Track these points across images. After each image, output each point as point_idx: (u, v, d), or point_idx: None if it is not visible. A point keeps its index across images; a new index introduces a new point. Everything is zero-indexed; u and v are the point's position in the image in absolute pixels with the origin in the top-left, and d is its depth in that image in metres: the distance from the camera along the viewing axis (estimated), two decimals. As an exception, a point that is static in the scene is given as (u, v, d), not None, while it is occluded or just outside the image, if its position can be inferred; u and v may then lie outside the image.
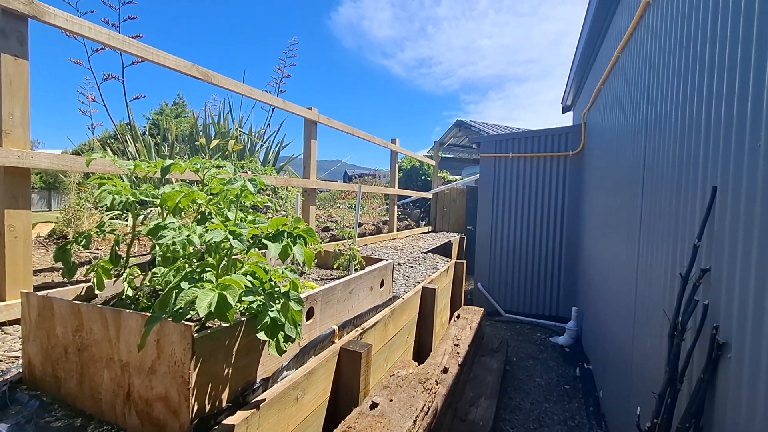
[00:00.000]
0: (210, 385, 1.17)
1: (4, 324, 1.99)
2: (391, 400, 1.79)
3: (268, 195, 6.11)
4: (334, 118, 4.76)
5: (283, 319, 1.20)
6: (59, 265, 2.76)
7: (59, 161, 2.25)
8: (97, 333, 1.24)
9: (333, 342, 1.88)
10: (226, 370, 1.23)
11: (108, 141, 5.83)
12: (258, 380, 1.38)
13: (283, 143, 7.49)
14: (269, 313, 1.17)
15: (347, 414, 1.77)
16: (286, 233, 1.12)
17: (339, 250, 2.63)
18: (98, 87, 4.98)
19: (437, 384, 2.15)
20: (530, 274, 6.00)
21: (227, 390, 1.24)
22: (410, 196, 8.89)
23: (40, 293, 1.39)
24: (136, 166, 1.36)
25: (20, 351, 1.73)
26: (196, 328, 1.11)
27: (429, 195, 8.57)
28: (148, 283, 1.43)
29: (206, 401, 1.16)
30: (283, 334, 1.22)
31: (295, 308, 1.14)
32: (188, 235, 1.06)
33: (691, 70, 1.83)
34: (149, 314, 1.15)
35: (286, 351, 1.26)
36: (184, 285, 1.10)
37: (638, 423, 1.72)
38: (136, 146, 5.23)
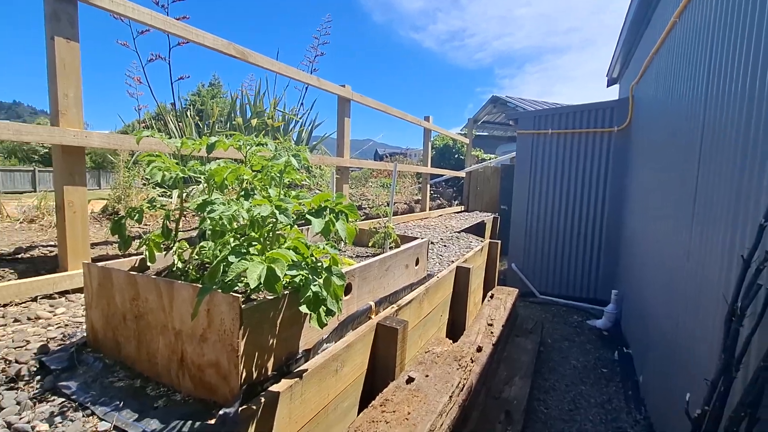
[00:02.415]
0: (256, 354, 1.22)
1: (67, 292, 2.16)
2: (427, 376, 1.82)
3: (302, 174, 6.19)
4: (365, 95, 4.71)
5: (324, 294, 1.23)
6: (113, 239, 2.95)
7: (110, 140, 2.37)
8: (152, 302, 1.32)
9: (370, 317, 1.91)
10: (271, 341, 1.28)
11: (150, 121, 6.07)
12: (300, 351, 1.42)
13: (316, 122, 7.52)
14: (311, 287, 1.20)
15: (384, 387, 1.81)
16: (328, 209, 1.13)
17: (374, 228, 2.64)
18: (143, 68, 5.15)
19: (472, 362, 2.15)
20: (567, 255, 5.82)
21: (272, 359, 1.29)
22: (443, 175, 8.76)
23: (100, 264, 1.49)
24: (183, 143, 1.40)
25: (83, 317, 1.87)
26: (242, 300, 1.15)
27: (462, 174, 8.41)
28: (197, 257, 1.50)
29: (253, 369, 1.22)
30: (325, 308, 1.25)
31: (337, 283, 1.16)
32: (236, 210, 1.09)
33: (765, 33, 1.65)
34: (200, 285, 1.20)
35: (327, 324, 1.29)
36: (232, 258, 1.14)
37: (687, 410, 1.65)
38: (179, 125, 5.41)
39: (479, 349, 2.49)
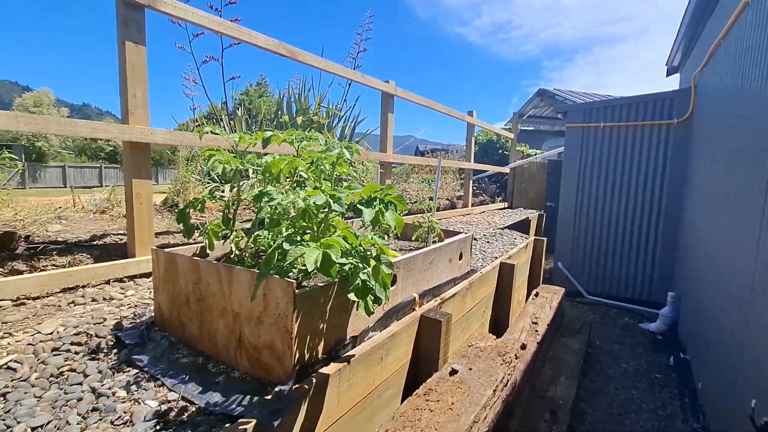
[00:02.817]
0: (308, 337, 1.28)
1: (135, 277, 2.36)
2: (471, 369, 1.81)
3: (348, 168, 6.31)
4: (408, 91, 4.71)
5: (372, 282, 1.26)
6: (173, 229, 3.17)
7: (172, 137, 2.54)
8: (213, 286, 1.42)
9: (413, 309, 1.94)
10: (321, 326, 1.34)
11: (203, 120, 6.43)
12: (348, 338, 1.47)
13: (359, 119, 7.62)
14: (360, 275, 1.23)
15: (426, 378, 1.83)
16: (378, 199, 1.16)
17: (417, 222, 2.65)
18: (198, 70, 5.47)
19: (516, 358, 2.11)
20: (619, 254, 5.52)
21: (322, 343, 1.35)
22: (486, 171, 8.59)
23: (167, 249, 1.62)
24: (240, 138, 1.49)
25: (149, 299, 2.04)
26: (295, 286, 1.21)
27: (506, 169, 8.19)
28: (252, 245, 1.59)
29: (305, 351, 1.28)
30: (372, 296, 1.29)
31: (386, 271, 1.19)
32: (293, 199, 1.15)
33: None
34: (257, 271, 1.28)
35: (373, 313, 1.33)
36: (286, 246, 1.20)
37: (752, 416, 1.53)
38: (230, 123, 5.69)
39: (523, 347, 2.44)
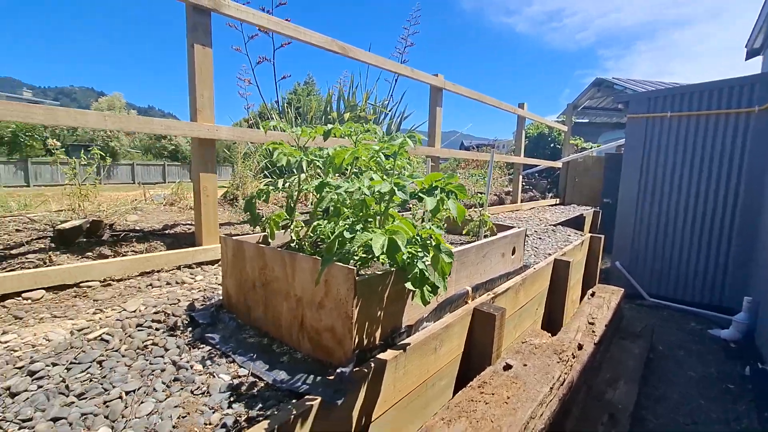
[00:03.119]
0: (367, 324, 1.32)
1: (202, 263, 2.54)
2: (525, 365, 1.78)
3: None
4: (456, 84, 4.64)
5: (429, 272, 1.28)
6: (234, 220, 3.36)
7: (234, 133, 2.70)
8: (277, 271, 1.50)
9: (466, 302, 1.93)
10: (379, 313, 1.37)
11: (256, 119, 6.74)
12: (403, 326, 1.50)
13: (404, 114, 7.62)
14: (418, 264, 1.25)
15: (479, 371, 1.82)
16: (439, 188, 1.17)
17: (468, 215, 2.62)
18: (252, 70, 5.74)
19: (573, 357, 2.04)
20: (686, 255, 5.11)
21: (379, 330, 1.39)
22: (536, 166, 8.28)
23: (234, 237, 1.73)
24: (302, 132, 1.56)
25: (216, 284, 2.20)
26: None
27: (558, 164, 7.84)
28: (311, 234, 1.66)
29: (364, 337, 1.32)
30: (428, 286, 1.30)
31: (446, 260, 1.20)
32: (358, 187, 1.19)
33: None
34: (318, 258, 1.34)
35: (429, 302, 1.35)
36: (347, 234, 1.25)
37: None
38: (281, 122, 5.93)
39: (580, 347, 2.35)
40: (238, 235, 2.92)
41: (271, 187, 1.59)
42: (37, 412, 1.06)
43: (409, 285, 1.29)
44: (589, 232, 6.07)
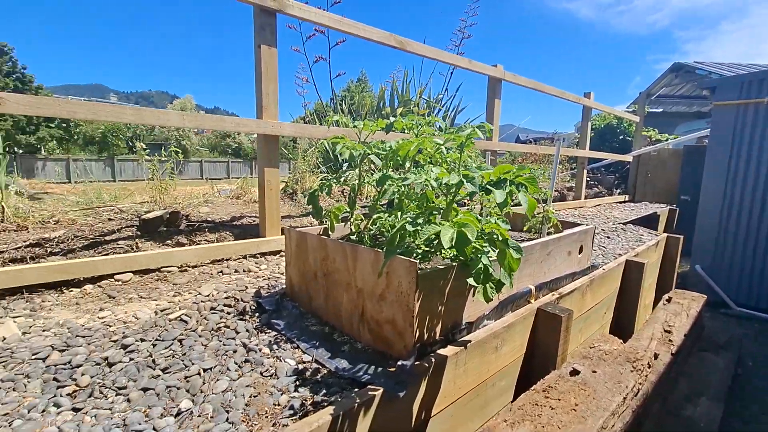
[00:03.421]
0: (427, 318, 1.31)
1: (265, 254, 2.67)
2: (595, 372, 1.67)
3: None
4: (516, 74, 4.44)
5: (493, 268, 1.23)
6: (293, 212, 3.50)
7: (296, 129, 2.80)
8: (338, 263, 1.53)
9: (529, 302, 1.85)
10: (440, 308, 1.35)
11: (312, 116, 6.95)
12: (464, 323, 1.47)
13: (459, 108, 7.45)
14: (482, 259, 1.22)
15: (542, 374, 1.73)
16: (508, 181, 1.12)
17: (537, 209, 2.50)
18: (310, 69, 5.92)
19: (649, 367, 1.88)
20: (784, 260, 4.51)
21: (440, 325, 1.37)
22: (603, 160, 7.73)
23: (298, 229, 1.80)
24: (364, 125, 1.57)
25: (279, 273, 2.30)
26: (416, 266, 1.24)
27: (628, 158, 7.26)
28: (371, 227, 1.67)
29: (424, 330, 1.31)
30: (492, 283, 1.26)
31: (514, 256, 1.15)
32: (425, 179, 1.18)
33: None
34: (380, 250, 1.35)
35: (492, 299, 1.30)
36: (409, 227, 1.24)
37: None
38: (344, 117, 6.07)
39: (655, 356, 2.16)
40: (299, 227, 3.04)
41: (332, 180, 1.63)
42: (130, 382, 1.18)
43: (471, 280, 1.26)
44: (664, 232, 5.56)
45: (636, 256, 2.98)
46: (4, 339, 1.44)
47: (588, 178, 7.66)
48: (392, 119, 1.46)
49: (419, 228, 1.11)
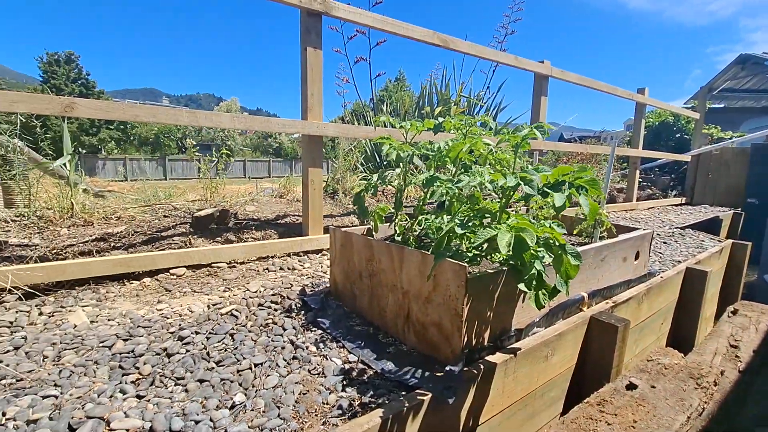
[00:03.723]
0: (476, 323, 1.28)
1: (308, 252, 2.72)
2: (653, 387, 1.56)
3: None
4: (564, 70, 4.25)
5: (546, 274, 1.18)
6: (335, 212, 3.54)
7: (340, 129, 2.83)
8: (384, 263, 1.53)
9: (581, 309, 1.76)
10: (488, 313, 1.32)
11: (351, 116, 7.02)
12: (512, 329, 1.42)
13: (500, 106, 7.26)
14: (535, 265, 1.17)
15: (595, 387, 1.65)
16: (567, 183, 1.07)
17: (579, 214, 2.38)
18: (351, 69, 5.98)
19: (715, 385, 1.73)
20: None
21: (488, 330, 1.33)
22: (657, 159, 7.26)
23: (343, 229, 1.81)
24: (412, 125, 1.56)
25: (322, 272, 2.34)
26: (465, 270, 1.20)
27: (686, 158, 6.77)
28: (416, 228, 1.66)
29: (473, 335, 1.28)
30: (544, 290, 1.20)
31: (573, 263, 1.10)
32: (480, 182, 1.15)
33: None
34: (427, 252, 1.33)
35: (544, 306, 1.25)
36: (458, 230, 1.21)
37: None
38: (390, 117, 6.10)
39: (722, 373, 1.99)
40: (341, 226, 3.07)
41: (378, 182, 1.63)
42: (187, 373, 1.23)
43: (522, 286, 1.21)
44: (727, 238, 5.13)
45: (697, 263, 2.76)
46: (75, 326, 1.55)
47: (640, 179, 7.22)
48: (440, 120, 1.44)
49: (469, 231, 1.08)
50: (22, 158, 2.64)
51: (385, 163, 5.32)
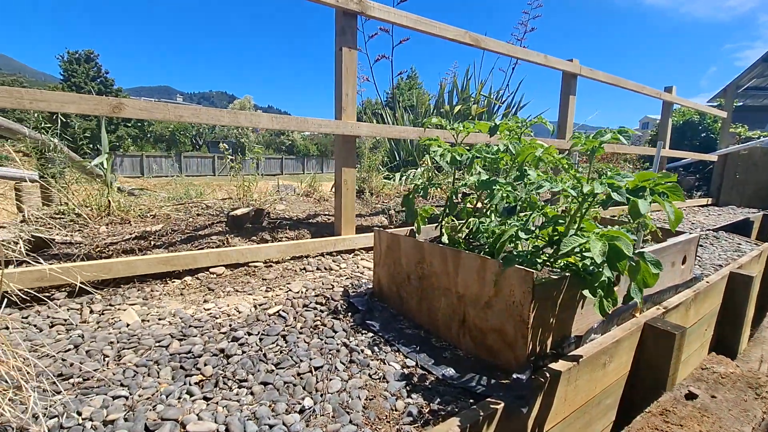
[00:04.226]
0: (540, 329, 1.25)
1: (341, 252, 2.71)
2: (714, 396, 1.51)
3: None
4: (593, 68, 4.17)
5: (614, 282, 1.15)
6: (363, 212, 3.52)
7: (373, 129, 2.81)
8: (436, 266, 1.51)
9: (633, 315, 1.72)
10: (551, 320, 1.29)
11: (363, 114, 7.01)
12: (572, 336, 1.39)
13: (520, 105, 7.17)
14: (604, 272, 1.13)
15: (645, 395, 1.61)
16: (647, 189, 1.03)
17: (618, 216, 2.33)
18: (371, 68, 5.96)
19: (773, 395, 1.68)
20: None
21: (551, 337, 1.30)
22: (682, 159, 7.10)
23: (388, 230, 1.80)
24: (465, 126, 1.53)
25: (359, 272, 2.32)
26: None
27: (712, 157, 6.61)
28: (464, 230, 1.63)
29: (537, 343, 1.25)
30: (610, 298, 1.17)
31: (652, 271, 1.06)
32: (562, 188, 1.13)
33: None
34: (486, 257, 1.30)
35: (608, 313, 1.21)
36: (522, 234, 1.19)
37: None
38: (395, 116, 6.07)
39: (773, 382, 1.93)
40: (373, 226, 3.05)
41: (430, 184, 1.60)
42: (249, 375, 1.23)
43: (587, 293, 1.18)
44: (758, 240, 4.99)
45: (740, 267, 2.69)
46: (128, 325, 1.56)
47: (664, 180, 7.07)
48: (497, 122, 1.41)
49: (533, 236, 1.05)
50: (62, 156, 2.68)
51: (408, 163, 5.30)
